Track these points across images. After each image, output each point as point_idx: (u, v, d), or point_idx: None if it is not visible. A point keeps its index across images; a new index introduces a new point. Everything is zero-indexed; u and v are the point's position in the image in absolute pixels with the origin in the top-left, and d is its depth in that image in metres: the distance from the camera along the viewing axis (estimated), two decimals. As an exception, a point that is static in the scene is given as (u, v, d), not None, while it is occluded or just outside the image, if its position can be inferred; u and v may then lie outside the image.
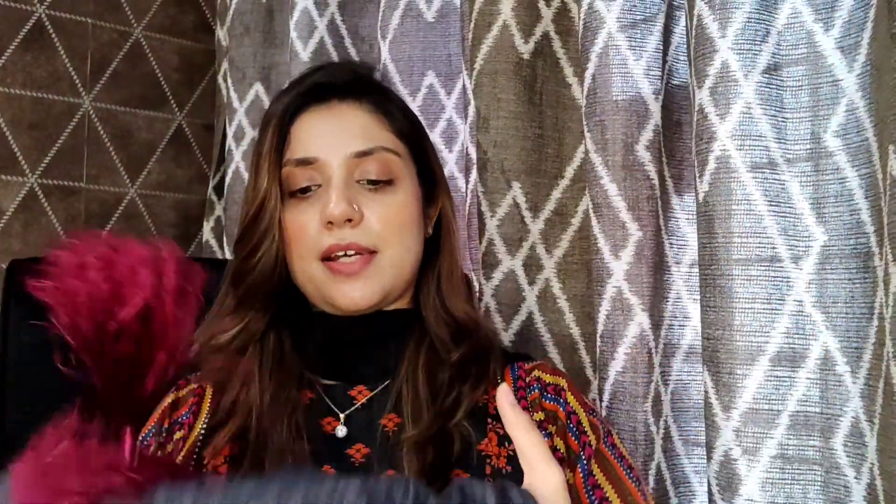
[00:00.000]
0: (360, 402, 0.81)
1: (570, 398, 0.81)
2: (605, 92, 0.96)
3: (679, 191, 0.99)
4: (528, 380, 0.84)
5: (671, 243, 0.98)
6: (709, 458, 0.85)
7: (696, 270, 0.90)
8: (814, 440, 0.82)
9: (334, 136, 0.83)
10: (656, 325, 0.96)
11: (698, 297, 0.87)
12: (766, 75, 0.83)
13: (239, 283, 0.82)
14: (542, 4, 1.07)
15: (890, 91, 0.74)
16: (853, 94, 0.81)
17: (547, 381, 0.83)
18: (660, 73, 0.97)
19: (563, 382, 0.83)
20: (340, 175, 0.81)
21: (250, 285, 0.82)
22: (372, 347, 0.83)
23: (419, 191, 0.87)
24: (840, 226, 0.82)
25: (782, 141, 0.84)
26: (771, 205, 0.83)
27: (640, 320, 0.95)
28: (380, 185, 0.83)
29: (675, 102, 0.98)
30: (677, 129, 0.98)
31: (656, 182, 0.96)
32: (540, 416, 0.80)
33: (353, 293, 0.80)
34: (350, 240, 0.80)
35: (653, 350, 0.96)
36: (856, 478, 0.80)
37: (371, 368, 0.83)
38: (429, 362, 0.82)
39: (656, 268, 0.96)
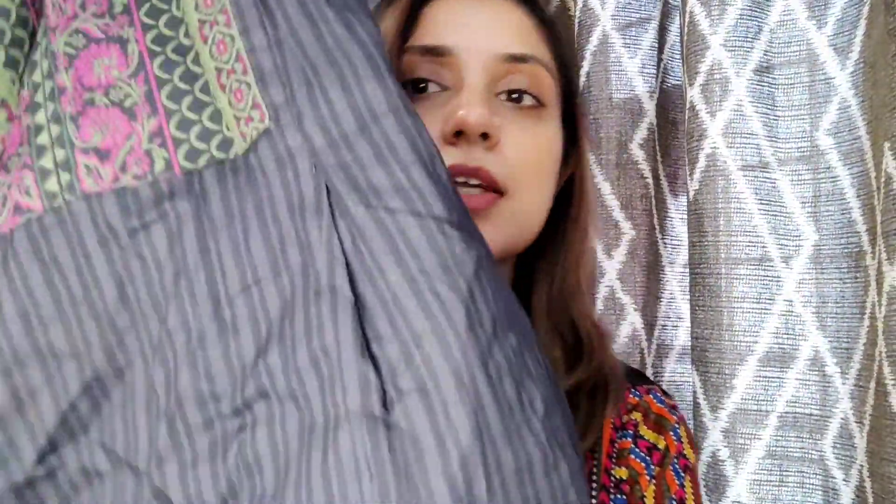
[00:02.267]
0: None
1: (671, 477, 0.65)
2: (599, 90, 0.98)
3: (674, 190, 1.00)
4: (624, 420, 0.69)
5: (665, 243, 0.99)
6: (697, 459, 0.86)
7: (689, 270, 0.91)
8: (803, 441, 0.83)
9: (481, 28, 0.65)
10: (649, 325, 0.97)
11: (691, 297, 0.89)
12: (758, 73, 0.85)
13: None
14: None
15: (885, 88, 0.75)
16: (846, 92, 0.82)
17: (644, 436, 0.68)
18: (655, 72, 0.98)
19: (662, 443, 0.67)
20: (481, 78, 0.63)
21: None
22: None
23: (561, 134, 0.69)
24: (831, 225, 0.83)
25: (774, 139, 0.85)
26: (761, 203, 0.84)
27: (633, 320, 0.96)
28: (526, 107, 0.66)
29: (670, 101, 1.00)
30: (672, 128, 1.00)
31: (650, 181, 0.98)
32: (622, 473, 0.66)
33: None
34: (479, 162, 0.61)
35: (645, 350, 0.97)
36: (844, 480, 0.80)
37: None
38: None
39: (650, 268, 0.97)
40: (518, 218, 0.65)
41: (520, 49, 0.65)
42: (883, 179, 0.74)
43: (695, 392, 0.86)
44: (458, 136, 0.61)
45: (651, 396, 0.70)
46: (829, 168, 0.83)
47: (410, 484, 0.32)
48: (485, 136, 0.61)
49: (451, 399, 0.33)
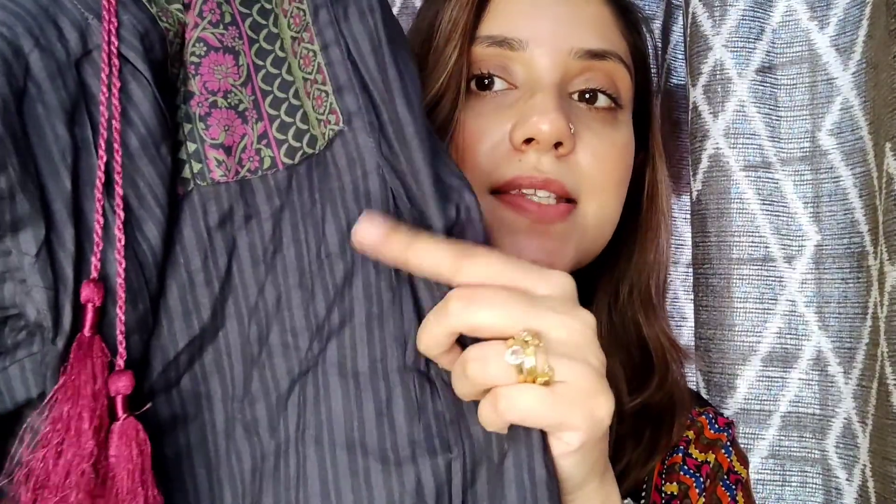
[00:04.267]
0: None
1: (722, 492, 0.63)
2: (602, 90, 0.99)
3: (677, 190, 1.01)
4: (675, 439, 0.66)
5: (669, 243, 1.00)
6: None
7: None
8: (805, 441, 0.84)
9: (556, 19, 0.60)
10: (652, 325, 0.99)
11: (694, 297, 0.90)
12: (760, 74, 0.86)
13: None
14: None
15: (887, 88, 0.76)
16: (848, 92, 0.84)
17: (693, 455, 0.65)
18: (658, 72, 0.99)
19: (711, 458, 0.65)
20: (555, 77, 0.59)
21: None
22: None
23: (634, 136, 0.65)
24: (834, 225, 0.84)
25: (776, 140, 0.86)
26: (764, 204, 0.85)
27: (636, 320, 0.97)
28: (601, 108, 0.61)
29: (673, 101, 1.01)
30: (676, 128, 1.01)
31: (653, 181, 0.99)
32: (672, 488, 0.64)
33: (541, 256, 0.57)
34: (550, 174, 0.58)
35: (648, 350, 0.98)
36: (847, 479, 0.82)
37: None
38: None
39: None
40: (589, 229, 0.61)
41: (597, 44, 0.61)
42: (885, 180, 0.75)
43: (698, 392, 0.87)
44: (529, 142, 0.57)
45: (704, 418, 0.68)
46: (831, 168, 0.84)
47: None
48: (558, 144, 0.58)
49: None
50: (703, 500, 0.63)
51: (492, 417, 0.38)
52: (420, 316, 0.42)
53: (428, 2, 0.66)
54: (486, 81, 0.60)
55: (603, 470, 0.43)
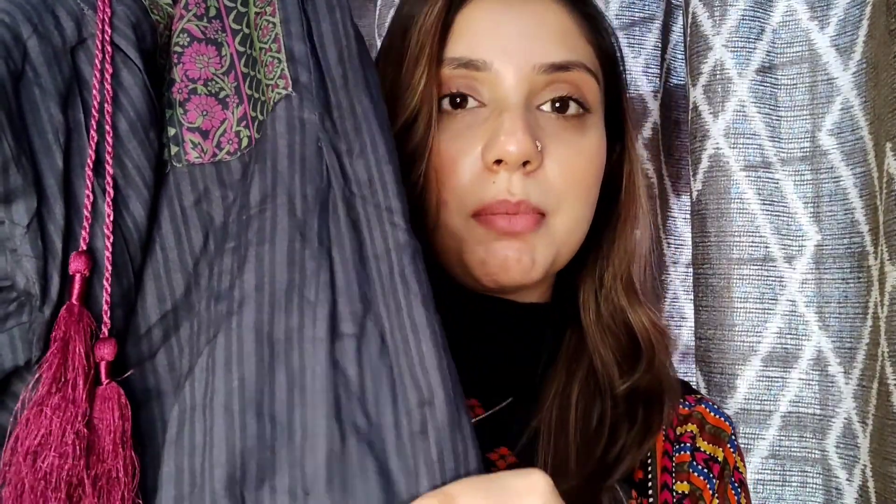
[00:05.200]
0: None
1: (731, 493, 0.64)
2: (603, 90, 1.00)
3: (677, 190, 1.02)
4: (679, 432, 0.67)
5: (668, 243, 1.01)
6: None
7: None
8: (806, 441, 0.85)
9: (519, 36, 0.62)
10: (654, 326, 0.99)
11: (694, 297, 0.91)
12: (761, 74, 0.87)
13: None
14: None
15: (887, 88, 0.77)
16: (848, 92, 0.84)
17: (702, 448, 0.66)
18: (658, 72, 1.00)
19: (720, 454, 0.66)
20: (520, 94, 0.61)
21: None
22: (501, 348, 0.65)
23: (606, 136, 0.67)
24: (834, 225, 0.85)
25: (776, 140, 0.87)
26: (764, 204, 0.86)
27: (637, 321, 0.98)
28: (570, 115, 0.63)
29: (673, 101, 1.02)
30: (676, 128, 1.02)
31: (654, 181, 1.00)
32: (684, 487, 0.64)
33: (511, 253, 0.60)
34: (521, 196, 0.60)
35: (650, 351, 0.99)
36: (848, 479, 0.82)
37: (494, 377, 0.63)
38: (586, 392, 0.64)
39: (653, 267, 0.99)
40: (561, 235, 0.63)
41: (561, 56, 0.62)
42: (885, 180, 0.76)
43: (686, 381, 0.88)
44: (499, 162, 0.60)
45: (704, 406, 0.69)
46: (831, 168, 0.85)
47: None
48: (526, 162, 0.60)
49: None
50: (717, 502, 0.64)
51: None
52: (334, 290, 0.44)
53: (395, 23, 0.68)
54: (458, 100, 0.62)
55: None
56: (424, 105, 0.60)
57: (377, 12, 1.24)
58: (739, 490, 0.66)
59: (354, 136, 0.46)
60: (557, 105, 0.63)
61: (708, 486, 0.64)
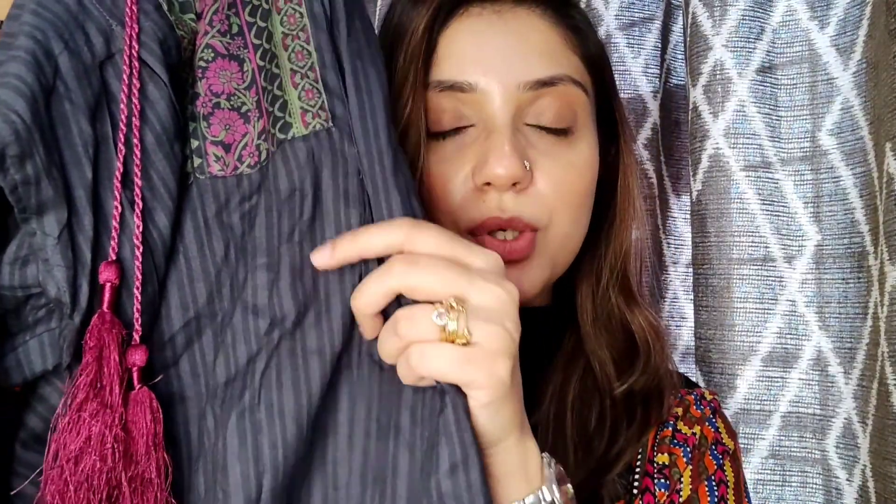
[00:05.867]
0: None
1: (709, 460, 0.66)
2: (602, 90, 1.00)
3: (677, 190, 1.03)
4: (664, 416, 0.69)
5: (668, 243, 1.02)
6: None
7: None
8: (806, 441, 0.86)
9: (503, 55, 0.63)
10: (653, 325, 1.00)
11: (694, 297, 0.91)
12: (761, 74, 0.87)
13: None
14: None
15: (887, 88, 0.77)
16: (848, 92, 0.85)
17: (681, 430, 0.68)
18: (658, 72, 1.01)
19: (697, 430, 0.68)
20: (507, 114, 0.62)
21: None
22: None
23: (598, 143, 0.68)
24: (834, 225, 0.85)
25: (776, 139, 0.87)
26: (764, 204, 0.87)
27: (637, 321, 0.98)
28: (558, 132, 0.64)
29: (673, 101, 1.03)
30: (675, 128, 1.03)
31: (654, 181, 1.00)
32: (664, 459, 0.66)
33: (521, 281, 0.61)
34: (513, 212, 0.61)
35: (649, 351, 0.99)
36: (848, 479, 0.83)
37: None
38: (583, 392, 0.66)
39: (653, 267, 1.00)
40: (555, 248, 0.65)
41: (546, 72, 0.63)
42: (885, 180, 0.77)
43: (686, 376, 0.88)
44: (488, 185, 0.61)
45: (692, 397, 0.71)
46: (831, 168, 0.86)
47: None
48: (516, 182, 0.61)
49: None
50: (690, 468, 0.65)
51: (406, 370, 0.45)
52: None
53: (383, 34, 0.68)
54: (445, 130, 0.64)
55: (520, 427, 0.48)
56: (412, 129, 0.61)
57: (377, 12, 1.24)
58: (722, 459, 0.67)
59: (382, 169, 0.48)
60: (543, 121, 0.64)
61: (682, 453, 0.65)
